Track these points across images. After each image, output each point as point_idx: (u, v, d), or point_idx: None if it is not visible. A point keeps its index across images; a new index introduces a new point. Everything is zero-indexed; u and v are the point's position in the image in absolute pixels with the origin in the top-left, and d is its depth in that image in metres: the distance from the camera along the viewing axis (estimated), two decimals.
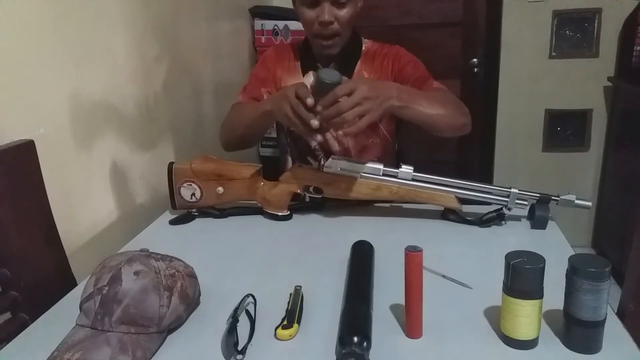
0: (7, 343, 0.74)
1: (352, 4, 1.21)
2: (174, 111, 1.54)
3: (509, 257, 0.66)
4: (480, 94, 2.73)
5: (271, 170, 1.27)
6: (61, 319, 0.74)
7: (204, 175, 1.14)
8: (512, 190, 1.04)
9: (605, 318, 0.65)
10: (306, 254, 1.00)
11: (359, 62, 1.33)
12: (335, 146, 1.03)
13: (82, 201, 1.10)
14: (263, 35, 2.35)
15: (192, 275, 0.78)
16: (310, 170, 1.14)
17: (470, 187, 1.07)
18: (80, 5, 1.08)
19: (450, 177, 1.07)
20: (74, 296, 0.78)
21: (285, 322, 0.73)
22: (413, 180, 1.08)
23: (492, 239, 1.02)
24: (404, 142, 1.52)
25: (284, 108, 1.01)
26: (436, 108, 1.10)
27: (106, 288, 0.68)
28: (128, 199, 1.27)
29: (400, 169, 1.08)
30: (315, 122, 0.97)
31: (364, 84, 0.98)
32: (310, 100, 0.97)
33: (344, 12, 1.20)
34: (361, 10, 1.27)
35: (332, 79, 0.95)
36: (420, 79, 1.26)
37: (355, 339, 0.64)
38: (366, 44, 1.36)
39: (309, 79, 1.34)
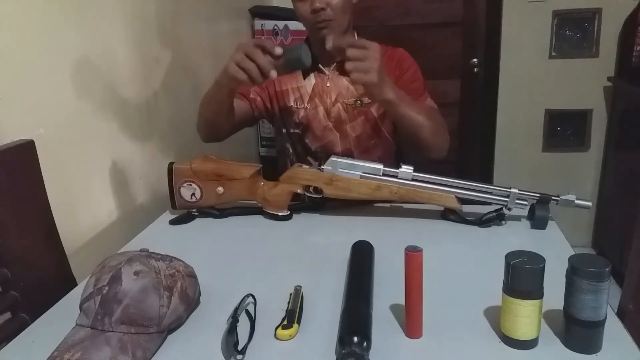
0: (7, 343, 0.74)
1: None
2: (174, 111, 1.54)
3: (509, 257, 0.66)
4: (480, 94, 2.73)
5: (271, 170, 1.27)
6: (61, 319, 0.74)
7: (203, 175, 1.14)
8: (512, 190, 1.04)
9: (605, 318, 0.65)
10: (306, 254, 1.00)
11: None
12: None
13: (82, 201, 1.10)
14: (263, 35, 2.35)
15: (192, 275, 0.78)
16: (310, 170, 1.14)
17: (470, 187, 1.07)
18: (80, 5, 1.08)
19: (450, 177, 1.07)
20: (74, 296, 0.78)
21: (285, 322, 0.73)
22: (413, 180, 1.08)
23: (492, 239, 1.02)
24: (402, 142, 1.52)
25: (235, 57, 1.02)
26: (424, 118, 1.15)
27: (106, 288, 0.68)
28: (128, 199, 1.27)
29: (400, 169, 1.08)
30: (274, 73, 1.01)
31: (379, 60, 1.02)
32: (278, 50, 1.01)
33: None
34: (357, 2, 1.26)
35: (306, 61, 1.03)
36: (415, 90, 1.27)
37: (355, 339, 0.64)
38: None
39: (311, 81, 1.34)
